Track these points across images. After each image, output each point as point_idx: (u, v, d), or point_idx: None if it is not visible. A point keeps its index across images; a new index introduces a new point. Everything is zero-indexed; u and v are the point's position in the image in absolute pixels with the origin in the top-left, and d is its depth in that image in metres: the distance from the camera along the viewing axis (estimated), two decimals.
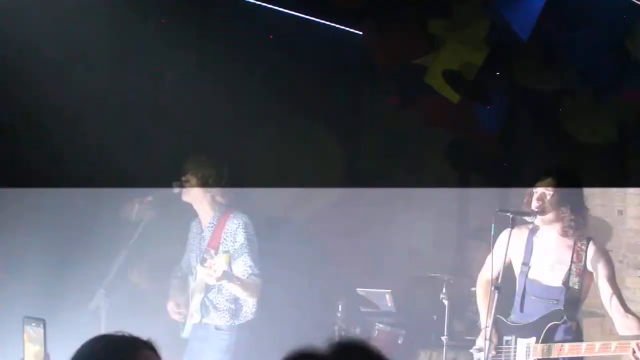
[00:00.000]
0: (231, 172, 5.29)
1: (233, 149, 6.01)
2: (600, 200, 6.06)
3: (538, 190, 4.43)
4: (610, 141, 5.99)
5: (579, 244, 4.41)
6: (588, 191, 4.58)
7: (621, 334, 4.27)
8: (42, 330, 3.21)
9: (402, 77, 5.67)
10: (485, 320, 4.62)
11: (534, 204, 4.42)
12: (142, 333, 5.56)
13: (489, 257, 4.61)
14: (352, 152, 7.39)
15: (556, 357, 4.30)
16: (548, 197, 4.39)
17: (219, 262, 4.57)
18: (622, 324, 4.32)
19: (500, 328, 4.54)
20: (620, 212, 6.20)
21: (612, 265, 4.46)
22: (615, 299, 4.36)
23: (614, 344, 4.14)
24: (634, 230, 6.05)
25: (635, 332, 4.21)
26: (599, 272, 4.38)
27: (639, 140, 6.04)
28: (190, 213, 5.39)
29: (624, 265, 5.91)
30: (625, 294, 5.80)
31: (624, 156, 6.17)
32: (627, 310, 4.37)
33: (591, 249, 4.39)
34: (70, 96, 5.36)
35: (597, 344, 4.21)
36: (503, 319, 4.58)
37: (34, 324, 3.25)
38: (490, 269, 4.57)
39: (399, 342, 6.26)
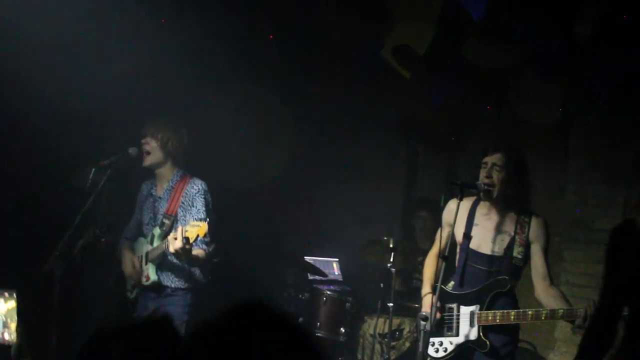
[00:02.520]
0: (191, 138, 5.33)
1: (194, 115, 6.03)
2: (543, 175, 6.25)
3: (486, 164, 4.55)
4: (554, 118, 6.16)
5: (522, 216, 4.56)
6: (531, 166, 4.72)
7: (545, 304, 4.40)
8: (14, 302, 3.24)
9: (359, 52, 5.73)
10: (426, 288, 4.77)
11: (482, 178, 4.54)
12: (93, 293, 5.59)
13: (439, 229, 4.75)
14: (307, 121, 7.44)
15: (501, 324, 4.42)
16: (495, 171, 4.51)
17: (192, 231, 4.56)
18: (547, 293, 4.46)
19: (442, 296, 4.61)
20: (561, 188, 6.40)
21: (549, 238, 4.57)
22: (544, 269, 4.51)
23: (561, 310, 4.26)
24: (574, 205, 6.24)
25: (558, 302, 4.37)
26: (535, 243, 4.52)
27: (582, 118, 6.21)
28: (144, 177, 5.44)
29: (563, 239, 6.10)
30: (563, 266, 6.06)
31: (567, 133, 6.34)
32: (552, 281, 4.55)
33: (534, 221, 4.56)
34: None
35: (544, 311, 4.32)
36: (444, 287, 4.65)
37: (7, 294, 3.26)
38: (439, 240, 4.70)
39: (347, 308, 6.38)
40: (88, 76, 5.59)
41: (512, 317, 4.40)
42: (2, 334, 3.25)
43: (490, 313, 4.46)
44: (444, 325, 4.64)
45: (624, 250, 3.41)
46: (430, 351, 4.63)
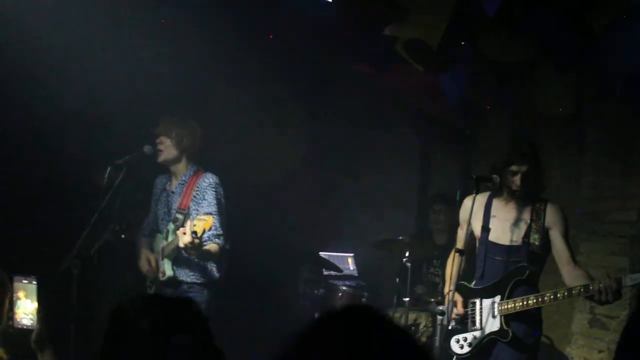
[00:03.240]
0: (205, 134, 5.37)
1: (209, 112, 6.05)
2: (558, 167, 6.23)
3: (514, 173, 4.53)
4: (570, 111, 6.14)
5: (537, 205, 4.58)
6: (547, 159, 4.72)
7: (571, 286, 4.35)
8: (35, 287, 3.27)
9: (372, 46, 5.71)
10: (447, 287, 4.77)
11: (514, 185, 4.54)
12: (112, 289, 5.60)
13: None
14: (321, 120, 7.44)
15: (522, 310, 4.41)
16: (524, 180, 4.51)
17: (199, 225, 4.60)
18: (571, 275, 4.44)
19: (464, 292, 4.67)
20: (577, 180, 6.38)
21: (567, 223, 4.58)
22: (566, 252, 4.51)
23: (578, 287, 4.22)
24: (589, 198, 6.22)
25: (583, 281, 4.32)
26: (554, 229, 4.53)
27: (597, 111, 6.19)
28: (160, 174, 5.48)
29: (579, 232, 6.08)
30: (579, 258, 6.04)
31: (582, 126, 6.32)
32: (576, 262, 4.55)
33: (549, 208, 4.57)
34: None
35: (561, 290, 4.29)
36: (466, 284, 4.71)
37: (25, 281, 3.29)
38: (459, 239, 4.72)
39: (362, 303, 6.37)
40: (103, 77, 5.61)
41: (532, 302, 4.38)
42: (23, 318, 3.27)
43: (510, 301, 4.46)
44: (467, 320, 4.65)
45: None
46: (455, 348, 4.64)
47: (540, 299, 4.37)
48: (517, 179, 4.52)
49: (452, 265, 4.65)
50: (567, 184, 6.35)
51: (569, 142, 6.43)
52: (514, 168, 4.53)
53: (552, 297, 4.31)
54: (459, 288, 4.63)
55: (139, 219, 5.54)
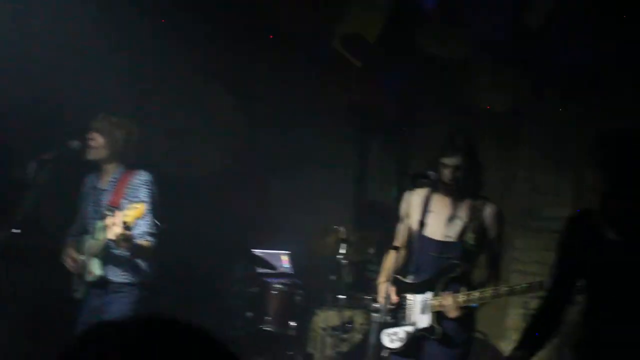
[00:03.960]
0: (139, 133, 5.21)
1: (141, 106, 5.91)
2: (495, 163, 6.25)
3: (446, 165, 4.52)
4: (506, 108, 6.18)
5: (476, 202, 4.57)
6: (483, 154, 4.71)
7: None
8: None
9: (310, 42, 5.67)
10: (382, 277, 4.74)
11: (446, 179, 4.51)
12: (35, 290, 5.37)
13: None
14: (255, 113, 7.35)
15: (453, 307, 4.40)
16: (457, 173, 4.49)
17: (130, 214, 4.45)
18: (483, 276, 4.53)
19: (399, 287, 4.62)
20: (513, 176, 6.42)
21: (503, 224, 4.59)
22: (492, 257, 4.56)
23: (504, 288, 4.29)
24: (524, 194, 6.27)
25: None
26: (489, 230, 4.53)
27: (532, 108, 6.24)
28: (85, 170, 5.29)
29: (513, 228, 6.11)
30: (514, 254, 6.08)
31: (518, 122, 6.37)
32: (496, 268, 4.59)
33: (488, 208, 4.56)
34: None
35: (489, 290, 4.32)
36: (401, 278, 4.68)
37: None
38: (398, 232, 4.69)
39: (296, 301, 6.30)
40: (31, 68, 5.42)
41: (461, 300, 4.37)
42: None
43: (441, 298, 4.44)
44: (399, 315, 4.62)
45: (577, 239, 3.40)
46: (386, 342, 4.62)
47: (469, 298, 4.37)
48: (448, 172, 4.49)
49: (388, 261, 4.62)
50: (503, 179, 6.38)
51: (505, 137, 6.48)
52: (446, 161, 4.50)
53: (479, 296, 4.33)
54: (394, 282, 4.59)
55: (67, 219, 5.34)
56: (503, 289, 4.31)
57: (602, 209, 3.19)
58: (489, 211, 4.53)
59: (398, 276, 4.64)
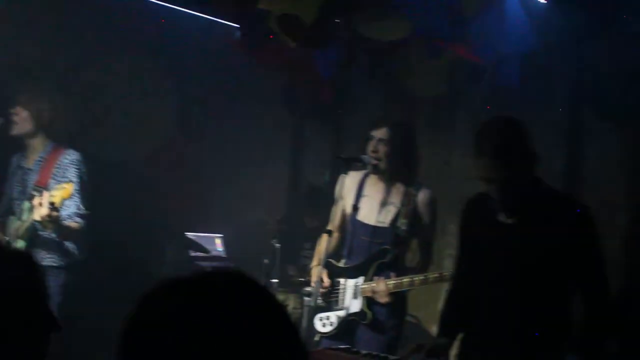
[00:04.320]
0: (67, 109, 5.08)
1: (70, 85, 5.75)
2: (429, 149, 6.27)
3: (373, 138, 4.51)
4: (441, 93, 6.19)
5: (410, 188, 4.56)
6: (418, 140, 4.71)
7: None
8: None
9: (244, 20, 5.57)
10: (315, 261, 4.74)
11: (369, 152, 4.51)
12: None
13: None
14: (189, 94, 7.23)
15: (383, 293, 4.42)
16: (381, 145, 4.48)
17: (57, 194, 4.33)
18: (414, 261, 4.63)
19: (331, 271, 4.63)
20: (447, 163, 6.45)
21: (435, 212, 4.63)
22: (428, 241, 4.64)
23: (432, 275, 4.37)
24: (458, 180, 6.29)
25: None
26: (422, 216, 4.55)
27: (466, 94, 6.27)
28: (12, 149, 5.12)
29: (448, 214, 6.13)
30: (447, 239, 6.12)
31: (453, 108, 6.39)
32: (428, 254, 4.66)
33: (422, 194, 4.55)
34: None
35: (418, 276, 4.39)
36: (334, 262, 4.66)
37: None
38: (333, 215, 4.67)
39: None
40: None
41: (391, 286, 4.38)
42: None
43: (372, 283, 4.46)
44: (332, 299, 4.60)
45: (475, 221, 3.44)
46: (318, 326, 4.63)
47: (397, 284, 4.37)
48: (372, 144, 4.49)
49: (321, 244, 4.60)
50: (437, 165, 6.40)
51: (440, 123, 6.49)
52: (372, 133, 4.51)
53: (409, 281, 4.38)
54: (326, 266, 4.59)
55: None
56: (430, 276, 4.36)
57: (495, 192, 3.24)
58: (422, 197, 4.54)
59: (331, 260, 4.65)
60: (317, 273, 4.51)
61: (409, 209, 4.52)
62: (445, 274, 4.34)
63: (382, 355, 3.46)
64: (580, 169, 5.92)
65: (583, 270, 3.20)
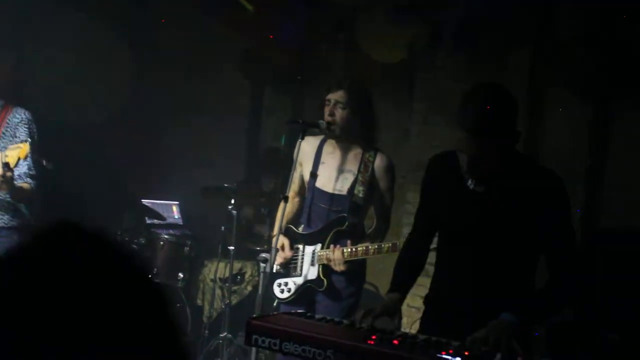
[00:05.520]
0: (19, 67, 4.93)
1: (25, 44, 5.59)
2: (389, 116, 6.22)
3: (329, 101, 4.44)
4: (400, 58, 6.14)
5: (367, 154, 4.50)
6: (378, 107, 4.65)
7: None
8: None
9: None
10: (274, 229, 4.68)
11: (325, 116, 4.44)
12: None
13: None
14: (147, 61, 7.10)
15: (339, 262, 4.38)
16: (338, 109, 4.41)
17: (12, 154, 4.20)
18: (372, 229, 4.57)
19: (291, 237, 4.59)
20: (406, 131, 6.42)
21: (393, 176, 4.57)
22: (381, 209, 4.56)
23: (386, 244, 4.31)
24: (417, 147, 6.27)
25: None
26: (379, 183, 4.50)
27: (426, 60, 6.21)
28: None
29: (406, 181, 6.11)
30: (406, 207, 6.10)
31: (413, 74, 6.34)
32: (386, 220, 4.60)
33: (378, 160, 4.50)
34: None
35: (373, 245, 4.34)
36: (293, 228, 4.62)
37: None
38: (292, 180, 4.60)
39: (185, 252, 6.16)
40: None
41: (346, 255, 4.35)
42: None
43: (327, 251, 4.41)
44: (290, 265, 4.58)
45: (441, 180, 3.37)
46: (277, 292, 4.60)
47: (353, 252, 4.35)
48: (328, 108, 4.41)
49: (280, 211, 4.54)
50: (396, 133, 6.36)
51: (400, 90, 6.44)
52: (328, 96, 4.42)
53: (363, 251, 4.34)
54: (287, 232, 4.56)
55: None
56: (385, 245, 4.31)
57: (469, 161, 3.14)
58: (379, 163, 4.48)
59: (291, 226, 4.61)
60: (276, 240, 4.46)
61: (366, 176, 4.46)
62: (399, 243, 4.30)
63: (337, 320, 3.41)
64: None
65: (552, 241, 3.15)
